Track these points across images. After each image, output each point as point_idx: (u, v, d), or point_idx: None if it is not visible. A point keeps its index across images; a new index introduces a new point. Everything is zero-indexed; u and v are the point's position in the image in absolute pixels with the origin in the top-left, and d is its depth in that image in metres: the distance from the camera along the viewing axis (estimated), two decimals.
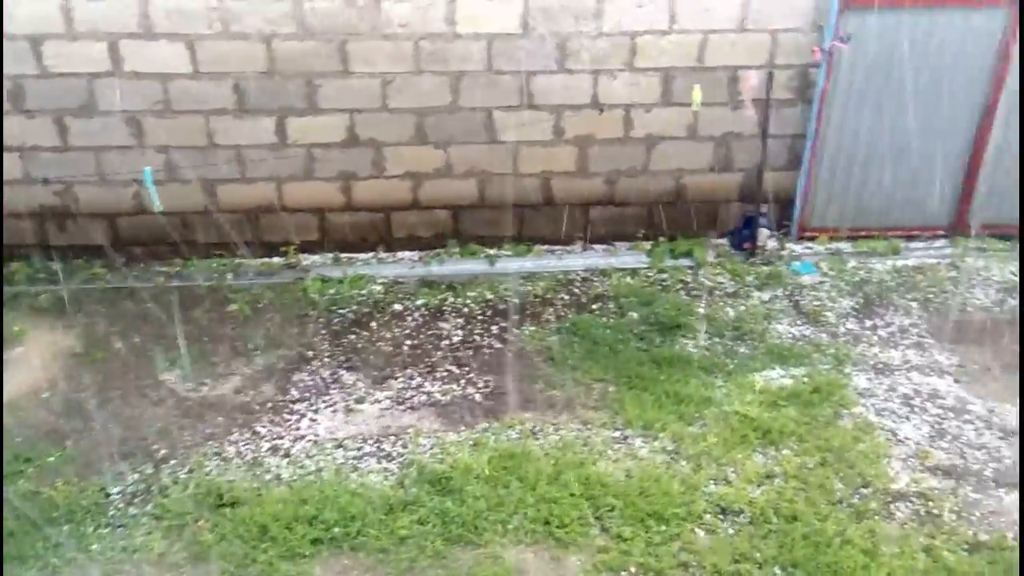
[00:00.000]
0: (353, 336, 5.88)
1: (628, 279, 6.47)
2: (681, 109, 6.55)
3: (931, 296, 6.17)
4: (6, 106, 6.25)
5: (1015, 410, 5.01)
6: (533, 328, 5.92)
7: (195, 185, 6.60)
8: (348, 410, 5.17)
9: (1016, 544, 4.08)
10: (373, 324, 6.01)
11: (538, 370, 5.47)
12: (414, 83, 6.39)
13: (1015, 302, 6.10)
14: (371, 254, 6.89)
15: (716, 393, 5.18)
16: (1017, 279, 6.35)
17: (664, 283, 6.42)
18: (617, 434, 4.91)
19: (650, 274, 6.54)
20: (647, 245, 6.85)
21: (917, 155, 6.59)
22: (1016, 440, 4.78)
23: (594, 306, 6.17)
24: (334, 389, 5.35)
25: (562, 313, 6.10)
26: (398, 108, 6.47)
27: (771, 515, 4.30)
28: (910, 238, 6.82)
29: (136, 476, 4.66)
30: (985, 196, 6.73)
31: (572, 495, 4.41)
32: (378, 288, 6.44)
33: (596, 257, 6.80)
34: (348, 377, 5.47)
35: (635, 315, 6.00)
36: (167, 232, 6.70)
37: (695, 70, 6.44)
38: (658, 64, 6.43)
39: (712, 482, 4.54)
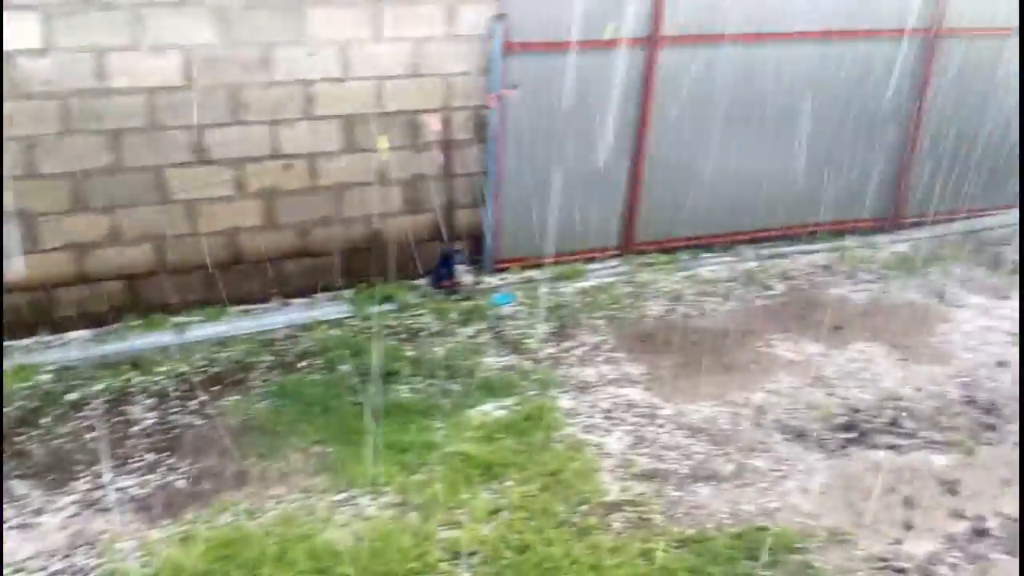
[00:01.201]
0: (21, 438, 5.09)
1: (333, 331, 6.29)
2: (366, 154, 6.53)
3: (614, 312, 6.69)
4: None
5: (696, 409, 5.55)
6: (236, 397, 5.53)
7: None
8: (24, 526, 4.45)
9: (718, 534, 4.50)
10: (45, 420, 5.26)
11: (247, 443, 5.11)
12: (66, 145, 5.73)
13: (683, 309, 6.80)
14: (33, 339, 6.03)
15: (436, 436, 5.18)
16: (681, 288, 7.09)
17: (371, 331, 6.32)
18: (342, 496, 4.72)
19: (355, 323, 6.41)
20: (349, 294, 6.73)
21: (586, 183, 7.14)
22: (702, 437, 5.29)
23: (301, 364, 5.91)
24: (4, 504, 4.58)
25: (267, 376, 5.77)
26: (50, 173, 5.76)
27: (503, 550, 4.35)
28: (589, 260, 7.37)
29: None
30: (646, 214, 7.45)
31: (301, 572, 4.14)
32: (46, 377, 5.66)
33: (297, 312, 6.54)
34: (20, 487, 4.71)
35: (345, 368, 5.84)
36: None
37: (376, 115, 6.45)
38: (337, 111, 6.36)
39: (443, 528, 4.50)
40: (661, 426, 5.38)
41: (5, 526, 4.44)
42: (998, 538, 4.55)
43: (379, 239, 6.83)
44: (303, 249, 6.64)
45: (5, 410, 5.32)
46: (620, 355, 6.14)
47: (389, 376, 5.75)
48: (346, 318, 6.46)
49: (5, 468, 4.82)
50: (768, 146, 7.57)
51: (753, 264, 7.52)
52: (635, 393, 5.70)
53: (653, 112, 7.11)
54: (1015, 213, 8.68)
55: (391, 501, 4.68)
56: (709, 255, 7.64)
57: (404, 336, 6.28)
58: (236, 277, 6.50)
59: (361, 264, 6.82)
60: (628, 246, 7.49)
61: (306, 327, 6.32)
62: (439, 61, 6.50)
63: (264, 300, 6.61)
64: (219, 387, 5.63)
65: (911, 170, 8.15)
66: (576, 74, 6.77)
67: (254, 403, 5.48)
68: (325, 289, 6.77)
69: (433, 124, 6.56)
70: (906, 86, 7.80)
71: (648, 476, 4.94)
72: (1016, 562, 4.40)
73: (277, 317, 6.45)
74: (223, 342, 6.12)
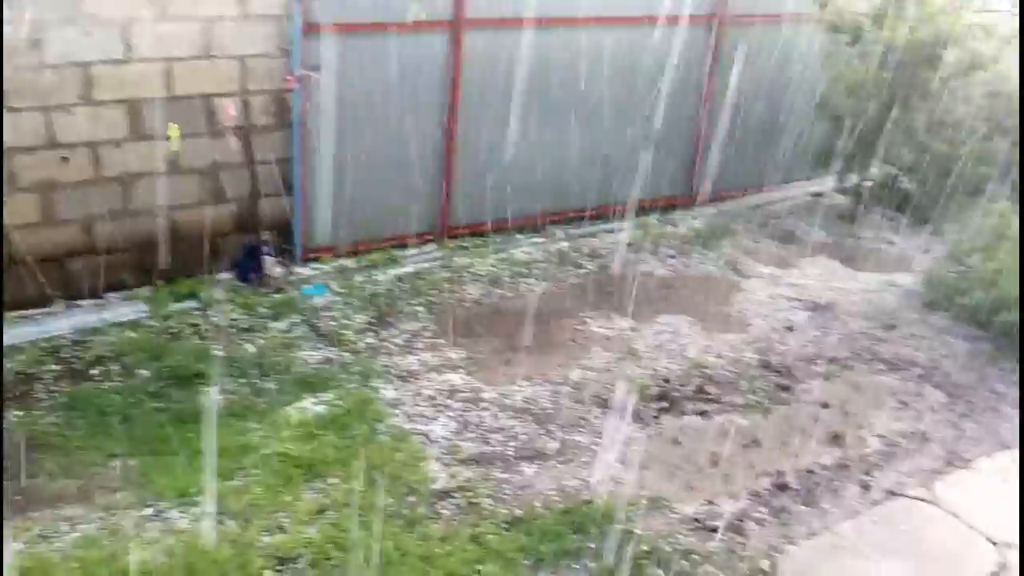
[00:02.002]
0: None
1: (129, 333, 5.80)
2: (157, 142, 6.06)
3: (432, 298, 6.63)
4: None
5: (519, 389, 5.61)
6: (20, 412, 4.98)
7: None
8: None
9: (546, 512, 4.57)
10: None
11: (36, 461, 4.62)
12: None
13: (500, 291, 6.86)
14: None
15: (252, 437, 4.92)
16: (497, 270, 7.13)
17: (172, 331, 5.89)
18: (149, 511, 4.38)
19: (154, 323, 5.94)
20: (145, 292, 6.22)
21: (397, 167, 7.01)
22: (526, 417, 5.36)
23: (93, 371, 5.42)
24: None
25: (55, 387, 5.24)
26: None
27: (330, 551, 4.21)
28: (404, 246, 7.24)
29: None
30: (460, 198, 7.43)
31: None
32: None
33: (85, 315, 5.97)
34: None
35: (146, 372, 5.41)
36: None
37: (165, 100, 5.99)
38: (121, 96, 5.86)
39: (265, 534, 4.29)
40: (485, 409, 5.39)
41: None
42: (797, 491, 4.94)
43: (176, 232, 6.37)
44: (89, 246, 6.08)
45: None
46: (441, 341, 6.09)
47: (196, 378, 5.39)
48: (143, 319, 5.98)
49: None
50: (574, 129, 7.75)
51: (564, 244, 7.70)
52: (458, 378, 5.68)
53: (461, 95, 7.08)
54: (796, 187, 9.45)
55: (206, 511, 4.39)
56: (522, 237, 7.74)
57: (210, 335, 5.90)
58: (11, 280, 5.84)
59: (157, 260, 6.32)
60: (443, 231, 7.44)
61: (97, 331, 5.79)
62: (233, 42, 6.13)
63: (46, 304, 5.99)
64: None
65: (704, 150, 8.64)
66: (383, 56, 6.61)
67: (41, 417, 4.96)
68: (118, 288, 6.22)
69: (229, 108, 6.18)
70: (696, 71, 8.25)
71: (475, 460, 4.94)
72: (813, 511, 4.80)
73: (62, 322, 5.86)
74: None
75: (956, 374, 6.24)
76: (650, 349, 6.22)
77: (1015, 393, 6.07)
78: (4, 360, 5.40)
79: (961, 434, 5.59)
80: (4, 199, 5.58)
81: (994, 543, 4.64)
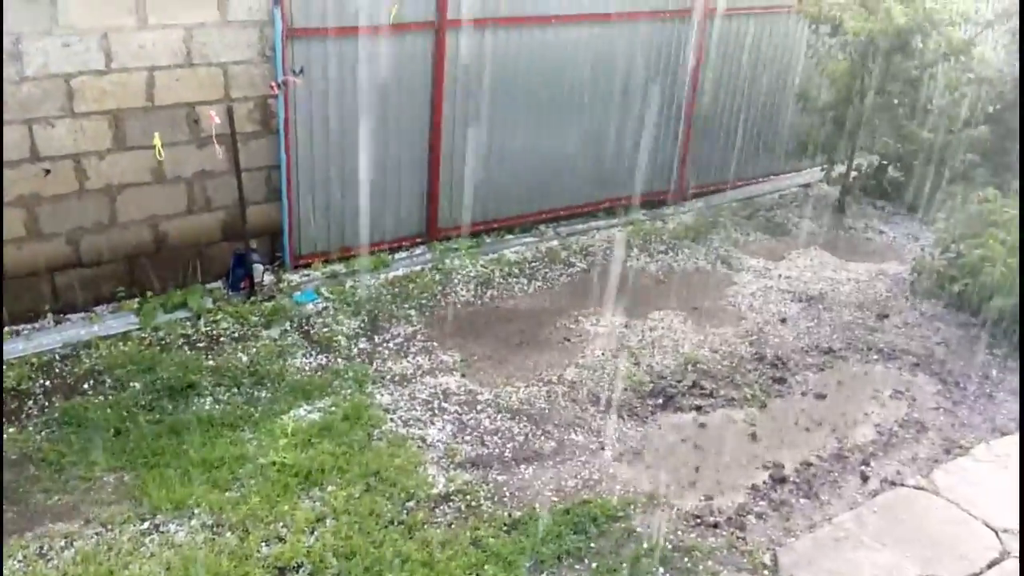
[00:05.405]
0: None
1: (120, 346, 5.75)
2: (141, 152, 6.00)
3: (424, 301, 6.60)
4: None
5: (514, 390, 5.59)
6: (12, 429, 4.94)
7: None
8: None
9: (545, 513, 4.55)
10: None
11: (31, 478, 4.58)
12: None
13: (492, 292, 6.83)
14: None
15: (247, 448, 4.88)
16: (488, 271, 7.10)
17: (163, 342, 5.85)
18: (146, 525, 4.34)
19: (144, 335, 5.90)
20: (134, 304, 6.17)
21: (384, 171, 6.97)
22: (522, 418, 5.34)
23: (85, 386, 5.37)
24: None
25: (46, 403, 5.19)
26: None
27: (330, 559, 4.18)
28: (394, 250, 7.21)
29: None
30: (448, 200, 7.39)
31: None
32: None
33: (75, 328, 5.91)
34: None
35: (137, 385, 5.37)
36: None
37: (148, 110, 5.94)
38: (103, 107, 5.80)
39: (264, 544, 4.26)
40: (481, 411, 5.37)
41: None
42: (796, 483, 4.93)
43: (164, 243, 6.32)
44: (75, 259, 6.02)
45: None
46: (434, 344, 6.06)
47: (189, 389, 5.36)
48: (133, 331, 5.93)
49: None
50: (560, 127, 7.73)
51: (554, 243, 7.68)
52: (452, 381, 5.65)
53: (445, 96, 7.04)
54: (783, 179, 9.46)
55: (203, 523, 4.37)
56: (512, 237, 7.72)
57: (202, 345, 5.86)
58: None
59: (146, 271, 6.27)
60: (432, 233, 7.40)
61: (88, 344, 5.73)
62: (215, 49, 6.07)
63: (35, 319, 5.93)
64: None
65: (690, 145, 8.63)
66: (366, 59, 6.57)
67: (34, 434, 4.91)
68: (106, 300, 6.17)
69: (213, 117, 6.13)
70: (679, 66, 8.23)
71: (473, 463, 4.92)
72: (812, 503, 4.80)
73: (52, 336, 5.80)
74: None
75: (950, 361, 6.26)
76: (644, 345, 6.21)
77: (1009, 379, 6.09)
78: None
79: (957, 421, 5.61)
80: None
81: (994, 530, 4.66)
